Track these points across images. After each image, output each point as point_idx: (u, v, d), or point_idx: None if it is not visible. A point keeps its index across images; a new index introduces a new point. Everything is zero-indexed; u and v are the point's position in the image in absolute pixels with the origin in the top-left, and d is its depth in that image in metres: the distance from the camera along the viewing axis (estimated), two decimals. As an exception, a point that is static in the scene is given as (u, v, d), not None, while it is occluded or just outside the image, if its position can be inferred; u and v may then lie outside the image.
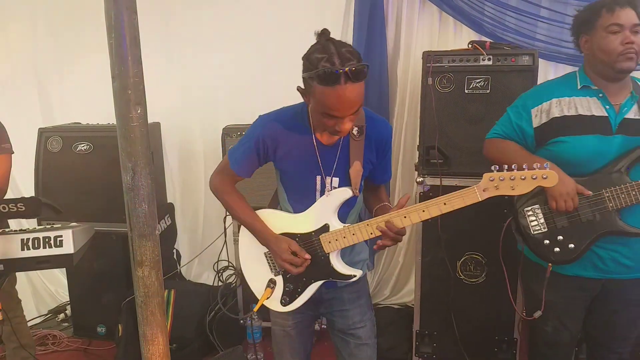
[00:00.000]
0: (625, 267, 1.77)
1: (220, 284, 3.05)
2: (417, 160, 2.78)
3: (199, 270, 3.48)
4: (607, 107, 1.74)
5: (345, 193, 1.62)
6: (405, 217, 1.52)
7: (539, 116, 1.80)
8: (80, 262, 2.66)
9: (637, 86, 1.78)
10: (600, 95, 1.75)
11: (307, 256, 1.63)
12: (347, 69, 1.34)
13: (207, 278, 3.39)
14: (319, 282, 1.68)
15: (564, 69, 2.88)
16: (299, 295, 1.70)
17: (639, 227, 1.71)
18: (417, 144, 2.73)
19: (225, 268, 3.06)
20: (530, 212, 1.81)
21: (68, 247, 1.85)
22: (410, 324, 2.79)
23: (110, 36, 0.88)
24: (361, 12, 2.95)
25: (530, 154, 1.83)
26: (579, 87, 1.79)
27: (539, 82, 2.45)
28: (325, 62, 1.35)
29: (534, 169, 1.40)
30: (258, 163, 1.69)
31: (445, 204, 1.48)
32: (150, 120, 3.24)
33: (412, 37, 3.08)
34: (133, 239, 0.92)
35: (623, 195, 1.68)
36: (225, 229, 2.99)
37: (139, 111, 0.88)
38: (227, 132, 2.92)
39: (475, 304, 2.60)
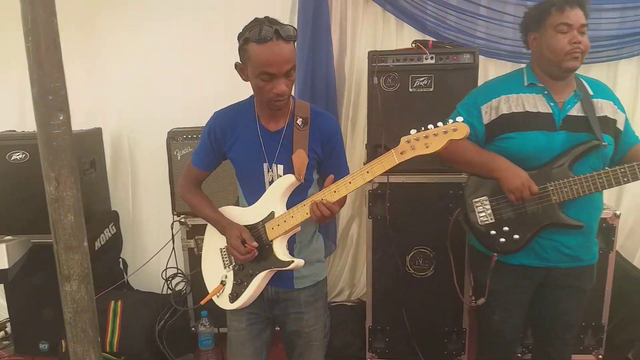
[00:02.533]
0: (566, 256, 1.84)
1: (169, 292, 2.97)
2: (365, 159, 2.81)
3: (147, 279, 3.37)
4: (552, 104, 1.79)
5: (288, 179, 1.64)
6: (335, 191, 1.55)
7: (488, 113, 1.84)
8: (18, 277, 2.54)
9: (581, 85, 1.83)
10: (546, 92, 1.80)
11: (255, 244, 1.65)
12: (277, 27, 1.47)
13: (156, 286, 3.29)
14: (264, 272, 1.68)
15: (504, 66, 2.99)
16: (245, 289, 1.71)
17: (579, 219, 1.77)
18: (365, 142, 2.75)
19: (175, 275, 2.98)
20: (478, 204, 1.85)
21: (2, 262, 1.76)
22: (363, 321, 2.80)
23: (27, 39, 0.83)
24: (305, 11, 2.94)
25: (482, 149, 1.86)
26: (525, 84, 1.83)
27: (479, 79, 2.52)
28: (258, 25, 1.49)
29: (447, 125, 1.40)
30: (213, 154, 1.75)
31: (368, 172, 1.49)
32: (91, 125, 3.17)
33: (357, 36, 3.11)
34: (59, 252, 0.87)
35: (566, 189, 1.74)
36: (173, 236, 2.92)
37: (61, 118, 0.83)
38: (173, 135, 2.85)
39: (425, 297, 2.65)
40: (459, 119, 1.38)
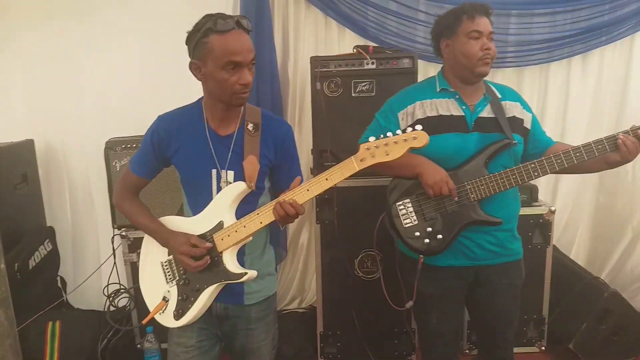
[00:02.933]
0: (492, 253, 1.90)
1: (112, 308, 2.84)
2: (312, 164, 2.80)
3: (88, 297, 3.22)
4: (464, 107, 1.88)
5: (239, 187, 1.57)
6: (308, 189, 1.50)
7: (405, 119, 1.90)
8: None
9: (489, 89, 1.93)
10: (457, 96, 1.89)
11: (208, 244, 1.56)
12: (237, 18, 1.47)
13: (98, 304, 3.14)
14: (213, 286, 1.60)
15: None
16: (191, 305, 1.62)
17: (498, 216, 1.84)
18: (311, 147, 2.74)
19: (118, 291, 2.86)
20: (401, 207, 1.88)
21: None
22: (314, 327, 2.79)
23: None
24: (246, 14, 2.89)
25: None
26: (438, 90, 1.91)
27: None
28: (216, 17, 1.46)
29: (406, 132, 1.42)
30: (156, 160, 1.67)
31: (327, 179, 1.48)
32: (22, 137, 2.99)
33: (300, 41, 3.10)
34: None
35: (483, 187, 1.81)
36: (114, 250, 2.80)
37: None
38: (111, 145, 2.73)
39: (375, 300, 2.66)
40: (418, 127, 1.40)
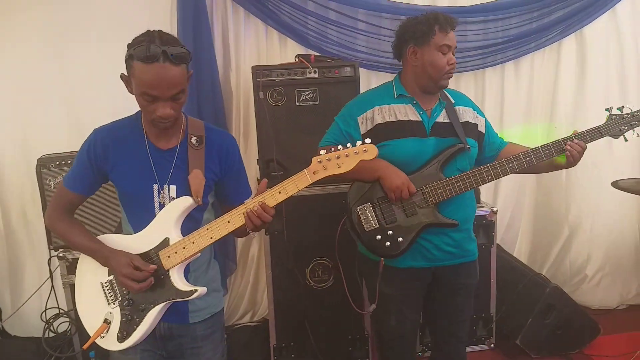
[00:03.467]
0: (450, 254, 1.94)
1: (52, 334, 2.68)
2: (259, 174, 2.77)
3: (26, 323, 3.02)
4: (421, 112, 1.92)
5: (186, 202, 1.53)
6: (243, 213, 1.49)
7: (364, 123, 1.92)
8: None
9: (443, 94, 1.99)
10: (414, 102, 1.93)
11: (152, 266, 1.50)
12: (166, 48, 1.37)
13: (37, 330, 2.96)
14: (160, 306, 1.54)
15: (384, 77, 3.10)
16: (137, 326, 1.55)
17: (454, 218, 1.89)
18: (257, 157, 2.71)
19: (56, 316, 2.70)
20: (362, 211, 1.90)
21: None
22: (268, 339, 2.74)
23: None
24: (184, 27, 2.83)
25: None
26: (395, 96, 1.94)
27: (361, 91, 2.60)
28: (146, 42, 1.38)
29: (356, 145, 1.46)
30: (93, 175, 1.58)
31: (280, 192, 1.47)
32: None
33: (241, 51, 3.06)
34: None
35: (440, 190, 1.85)
36: (51, 273, 2.65)
37: None
38: (44, 162, 2.59)
39: (328, 308, 2.66)
40: (368, 140, 1.45)
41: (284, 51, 3.07)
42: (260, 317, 3.32)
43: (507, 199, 3.42)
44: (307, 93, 2.58)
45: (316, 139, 2.08)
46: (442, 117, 1.93)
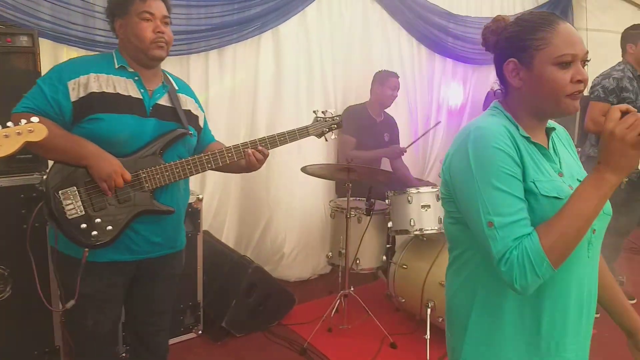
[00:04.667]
0: (157, 245, 1.85)
1: None
2: None
3: None
4: (142, 90, 1.78)
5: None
6: None
7: (76, 89, 1.69)
8: None
9: (167, 78, 1.89)
10: (136, 78, 1.78)
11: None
12: None
13: None
14: None
15: (77, 52, 2.77)
16: None
17: (169, 205, 1.81)
18: None
19: None
20: (65, 195, 1.65)
21: None
22: None
23: None
24: None
25: (71, 133, 1.69)
26: (116, 66, 1.77)
27: (48, 65, 2.22)
28: None
29: (19, 124, 1.29)
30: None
31: None
32: None
33: None
34: None
35: (158, 176, 1.74)
36: None
37: None
38: None
39: (8, 322, 2.22)
40: (34, 119, 1.32)
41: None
42: None
43: (214, 187, 3.49)
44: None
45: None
46: (164, 100, 1.82)
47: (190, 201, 2.77)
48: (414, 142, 4.11)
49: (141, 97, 1.78)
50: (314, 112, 2.10)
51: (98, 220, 1.69)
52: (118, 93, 1.74)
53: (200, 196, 2.84)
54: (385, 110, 3.87)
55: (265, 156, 1.90)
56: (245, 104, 3.50)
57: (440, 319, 2.80)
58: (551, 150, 1.20)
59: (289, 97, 3.59)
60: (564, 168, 1.19)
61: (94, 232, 1.69)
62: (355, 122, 3.67)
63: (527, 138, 1.14)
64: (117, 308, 1.91)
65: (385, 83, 3.70)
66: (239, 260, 3.07)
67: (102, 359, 1.91)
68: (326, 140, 2.13)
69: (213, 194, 3.48)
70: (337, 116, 2.12)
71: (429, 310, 2.84)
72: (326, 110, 2.11)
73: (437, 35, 4.43)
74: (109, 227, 1.70)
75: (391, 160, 3.92)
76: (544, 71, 1.09)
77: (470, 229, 1.11)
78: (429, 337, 2.77)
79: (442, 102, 4.78)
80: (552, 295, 1.10)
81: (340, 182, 3.50)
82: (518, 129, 1.14)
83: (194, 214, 2.82)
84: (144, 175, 1.74)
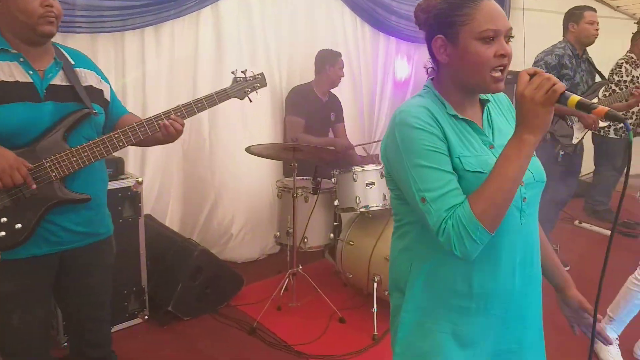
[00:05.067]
0: (80, 235, 1.75)
1: None
2: None
3: None
4: (31, 72, 1.62)
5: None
6: None
7: None
8: None
9: (60, 53, 1.72)
10: (21, 59, 1.61)
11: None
12: None
13: None
14: None
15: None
16: None
17: (85, 192, 1.70)
18: None
19: None
20: None
21: None
22: None
23: None
24: None
25: None
26: None
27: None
28: None
29: None
30: None
31: None
32: None
33: None
34: None
35: (65, 163, 1.63)
36: None
37: None
38: None
39: None
40: None
41: None
42: None
43: (155, 170, 3.37)
44: None
45: None
46: (59, 80, 1.67)
47: (129, 184, 2.69)
48: (362, 144, 4.19)
49: (31, 80, 1.62)
50: (232, 72, 2.00)
51: (4, 219, 1.57)
52: (3, 81, 1.57)
53: (140, 179, 2.74)
54: (330, 89, 3.87)
55: (182, 125, 1.80)
56: (184, 82, 3.38)
57: (386, 292, 2.87)
58: (485, 123, 1.23)
59: (230, 77, 3.50)
60: (498, 139, 1.22)
61: (2, 233, 1.57)
62: (303, 103, 3.65)
63: (454, 116, 1.18)
64: (45, 304, 1.81)
65: (336, 64, 3.70)
66: (184, 244, 3.00)
67: (36, 358, 1.82)
68: (250, 101, 2.03)
69: (154, 176, 3.37)
70: (258, 75, 2.03)
71: (375, 284, 2.90)
72: (246, 70, 2.02)
73: (381, 14, 4.44)
74: (18, 226, 1.59)
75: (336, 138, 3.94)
76: (468, 46, 1.12)
77: (410, 205, 1.16)
78: (376, 310, 2.83)
79: (387, 78, 4.81)
80: (481, 261, 1.14)
81: (287, 162, 3.48)
82: (445, 107, 1.18)
83: (134, 197, 2.72)
84: (48, 164, 1.61)
